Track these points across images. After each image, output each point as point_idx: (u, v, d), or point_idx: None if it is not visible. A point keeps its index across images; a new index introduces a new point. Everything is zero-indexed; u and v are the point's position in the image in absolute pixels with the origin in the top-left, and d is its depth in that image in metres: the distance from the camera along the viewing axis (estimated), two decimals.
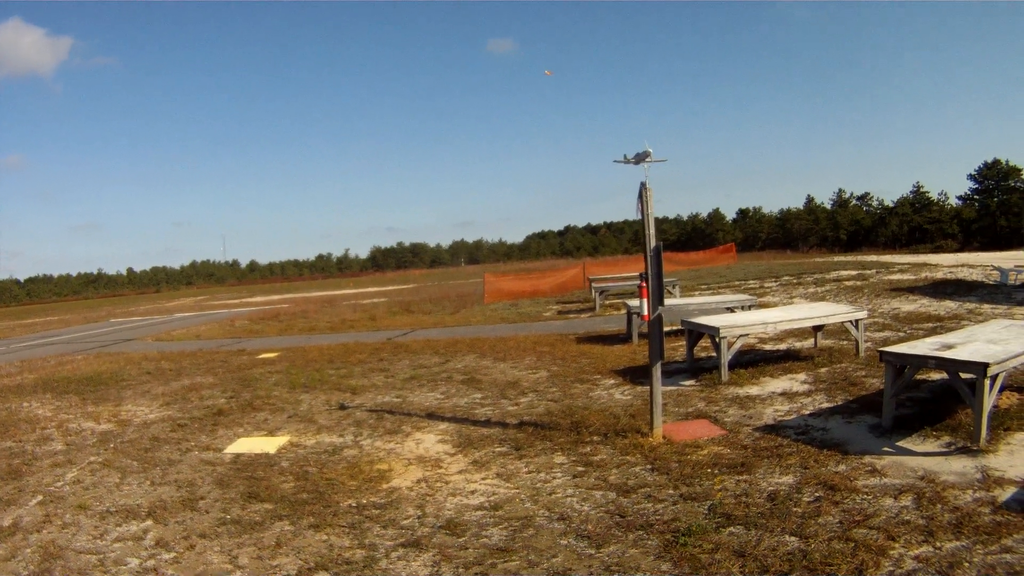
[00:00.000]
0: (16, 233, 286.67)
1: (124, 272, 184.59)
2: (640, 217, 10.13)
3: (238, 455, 11.67)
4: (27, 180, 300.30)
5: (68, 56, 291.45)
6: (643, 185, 9.96)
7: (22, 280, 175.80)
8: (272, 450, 11.73)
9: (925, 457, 8.64)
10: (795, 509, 7.40)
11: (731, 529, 7.09)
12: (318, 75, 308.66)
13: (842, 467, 8.50)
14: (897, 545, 6.37)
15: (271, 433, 12.89)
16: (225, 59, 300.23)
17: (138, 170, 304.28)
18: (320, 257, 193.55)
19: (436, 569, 6.97)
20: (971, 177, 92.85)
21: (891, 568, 5.99)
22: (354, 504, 8.94)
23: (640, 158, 10.14)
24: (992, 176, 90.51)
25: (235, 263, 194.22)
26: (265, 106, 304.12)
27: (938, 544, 6.33)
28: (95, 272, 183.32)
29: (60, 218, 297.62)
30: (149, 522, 8.97)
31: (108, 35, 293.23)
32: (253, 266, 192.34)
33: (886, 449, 9.05)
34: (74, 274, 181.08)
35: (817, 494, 7.74)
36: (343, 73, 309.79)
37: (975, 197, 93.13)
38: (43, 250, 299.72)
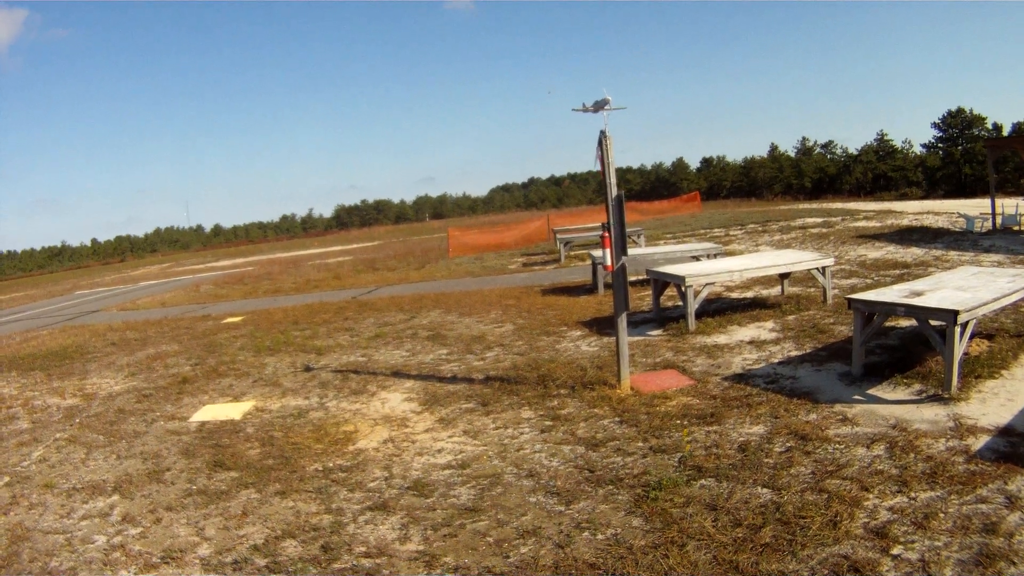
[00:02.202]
0: None
1: (88, 243, 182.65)
2: (600, 167, 10.01)
3: (203, 423, 11.53)
4: None
5: (22, 29, 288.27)
6: (602, 134, 9.85)
7: None
8: (237, 416, 11.59)
9: (896, 405, 8.58)
10: (766, 460, 7.33)
11: (702, 482, 7.02)
12: (276, 33, 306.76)
13: (813, 416, 8.44)
14: (871, 496, 6.31)
15: (236, 399, 12.74)
16: (181, 20, 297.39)
17: (97, 140, 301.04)
18: (284, 218, 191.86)
19: (404, 532, 6.89)
20: (935, 125, 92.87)
21: (866, 520, 5.92)
22: (320, 468, 8.84)
23: (599, 106, 10.02)
24: (956, 124, 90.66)
25: (199, 228, 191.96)
26: (223, 67, 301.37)
27: (912, 494, 6.27)
28: (59, 245, 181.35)
29: (19, 194, 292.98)
30: (115, 497, 8.85)
31: (62, 5, 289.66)
32: (217, 230, 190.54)
33: (857, 397, 8.99)
34: (38, 248, 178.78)
35: (788, 444, 7.68)
36: (301, 31, 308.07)
37: (939, 145, 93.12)
38: (4, 227, 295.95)
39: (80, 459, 10.53)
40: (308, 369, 14.25)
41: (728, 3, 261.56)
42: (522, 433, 9.15)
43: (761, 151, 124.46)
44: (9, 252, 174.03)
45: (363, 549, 6.66)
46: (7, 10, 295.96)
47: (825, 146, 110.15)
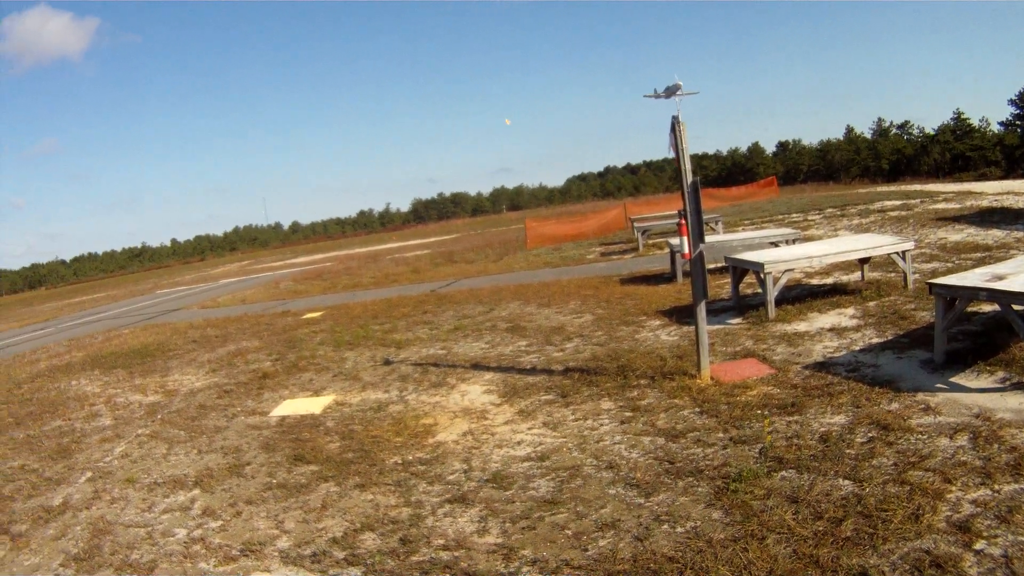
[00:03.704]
0: (56, 216, 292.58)
1: (168, 243, 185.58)
2: (673, 153, 9.95)
3: (284, 417, 11.71)
4: (62, 163, 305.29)
5: (95, 37, 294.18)
6: (675, 119, 9.74)
7: (68, 260, 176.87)
8: (317, 410, 11.74)
9: (979, 393, 8.40)
10: (848, 451, 7.24)
11: (783, 473, 6.97)
12: (350, 30, 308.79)
13: (895, 405, 8.30)
14: (954, 488, 6.20)
15: (316, 393, 12.91)
16: (254, 21, 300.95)
17: (174, 141, 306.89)
18: (362, 213, 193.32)
19: (483, 524, 6.94)
20: (1012, 102, 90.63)
21: (948, 513, 5.82)
22: (400, 461, 8.93)
23: (671, 91, 9.90)
24: None
25: (277, 225, 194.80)
26: (298, 65, 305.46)
27: (996, 487, 6.14)
28: (139, 246, 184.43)
29: (99, 197, 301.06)
30: (196, 491, 9.04)
31: (132, 12, 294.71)
32: (296, 227, 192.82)
33: (939, 385, 8.82)
34: (119, 249, 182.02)
35: (870, 434, 7.58)
36: (376, 27, 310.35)
37: (1017, 123, 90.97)
38: (85, 229, 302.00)
39: (161, 454, 10.78)
40: (388, 363, 14.37)
41: None
42: (602, 424, 9.15)
43: (837, 133, 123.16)
44: (90, 254, 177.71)
45: (441, 542, 6.71)
46: (80, 20, 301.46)
47: (901, 127, 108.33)
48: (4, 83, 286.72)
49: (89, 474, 10.40)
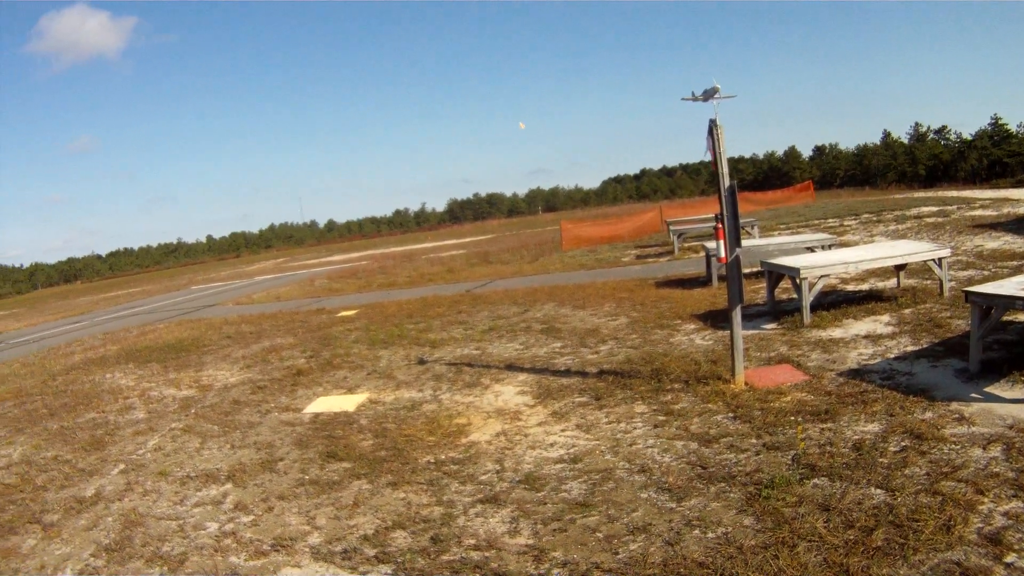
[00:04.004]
0: (93, 212, 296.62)
1: (204, 240, 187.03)
2: (711, 157, 9.96)
3: (317, 414, 11.81)
4: (100, 160, 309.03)
5: (132, 36, 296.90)
6: (712, 122, 9.74)
7: (103, 255, 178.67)
8: (351, 408, 11.83)
9: (1014, 404, 8.34)
10: (881, 460, 7.23)
11: (815, 481, 6.97)
12: (388, 30, 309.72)
13: (929, 414, 8.28)
14: (986, 500, 6.19)
15: (350, 391, 13.01)
16: (289, 21, 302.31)
17: (210, 139, 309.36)
18: (397, 213, 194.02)
19: (514, 525, 7.00)
20: None
21: (980, 524, 5.81)
22: (432, 460, 9.00)
23: (708, 95, 9.90)
24: None
25: (313, 224, 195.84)
26: (335, 65, 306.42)
27: None
28: (175, 242, 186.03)
29: (136, 193, 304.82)
30: (228, 486, 9.16)
31: (168, 12, 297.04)
32: (331, 225, 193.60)
33: (974, 395, 8.77)
34: (154, 245, 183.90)
35: (903, 443, 7.56)
36: (412, 29, 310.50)
37: None
38: (121, 225, 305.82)
39: (194, 448, 10.93)
40: (422, 362, 14.45)
41: None
42: (635, 428, 9.17)
43: (874, 138, 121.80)
44: (126, 249, 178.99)
45: (472, 542, 6.77)
46: (118, 19, 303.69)
47: (939, 132, 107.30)
48: (43, 81, 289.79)
49: (122, 466, 10.55)
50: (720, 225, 9.91)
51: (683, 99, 10.21)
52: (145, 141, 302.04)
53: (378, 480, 8.58)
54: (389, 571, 6.46)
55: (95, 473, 10.41)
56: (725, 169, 9.87)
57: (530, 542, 6.60)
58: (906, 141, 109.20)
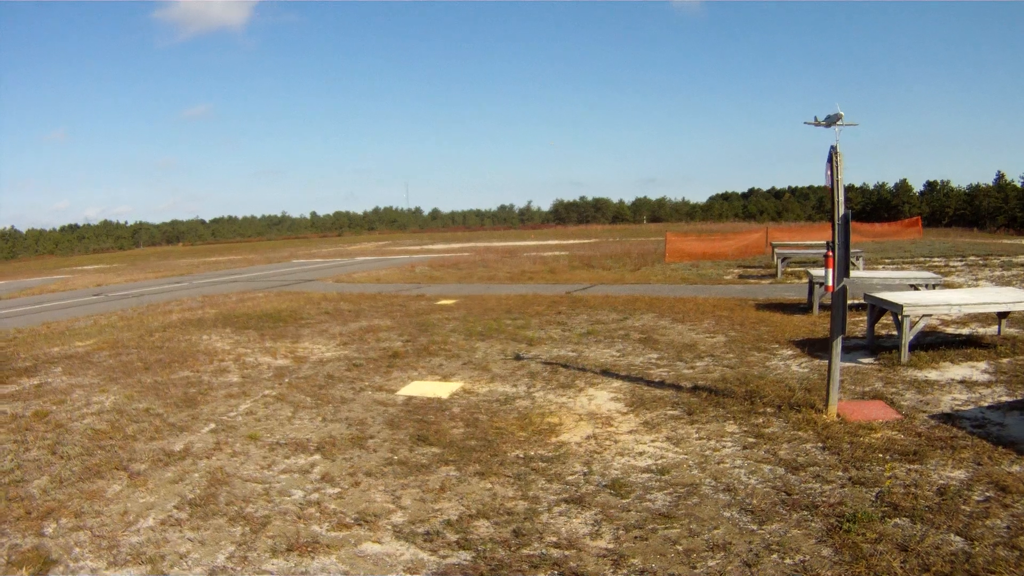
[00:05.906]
0: (202, 178, 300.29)
1: (308, 216, 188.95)
2: (829, 183, 9.92)
3: (410, 398, 12.02)
4: (213, 128, 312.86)
5: (255, 13, 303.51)
6: (833, 149, 9.71)
7: (207, 221, 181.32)
8: (444, 395, 12.03)
9: None
10: (963, 507, 7.20)
11: (897, 520, 6.97)
12: (508, 30, 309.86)
13: (1016, 468, 8.19)
14: None
15: (445, 378, 13.22)
16: (408, 11, 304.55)
17: (322, 119, 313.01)
18: (502, 208, 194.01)
19: (596, 528, 7.08)
20: None
21: None
22: (521, 455, 9.13)
23: (831, 120, 9.87)
24: None
25: (417, 210, 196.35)
26: (450, 56, 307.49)
27: None
28: (279, 215, 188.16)
29: (244, 164, 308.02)
30: (317, 456, 9.39)
31: None
32: (435, 214, 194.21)
33: None
34: (259, 216, 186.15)
35: (987, 494, 7.51)
36: (533, 29, 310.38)
37: None
38: (227, 193, 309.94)
39: (286, 417, 11.21)
40: (518, 358, 14.63)
41: (960, 23, 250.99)
42: (724, 447, 9.22)
43: (987, 178, 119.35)
44: (230, 217, 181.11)
45: (554, 539, 6.86)
46: None
47: None
48: (167, 48, 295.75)
49: (212, 425, 10.89)
50: (831, 253, 9.90)
51: (806, 123, 10.19)
52: (259, 115, 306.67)
53: (466, 468, 8.73)
54: (469, 558, 6.57)
55: (185, 429, 10.74)
56: (841, 197, 9.86)
57: (610, 546, 6.68)
58: (1020, 185, 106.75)
